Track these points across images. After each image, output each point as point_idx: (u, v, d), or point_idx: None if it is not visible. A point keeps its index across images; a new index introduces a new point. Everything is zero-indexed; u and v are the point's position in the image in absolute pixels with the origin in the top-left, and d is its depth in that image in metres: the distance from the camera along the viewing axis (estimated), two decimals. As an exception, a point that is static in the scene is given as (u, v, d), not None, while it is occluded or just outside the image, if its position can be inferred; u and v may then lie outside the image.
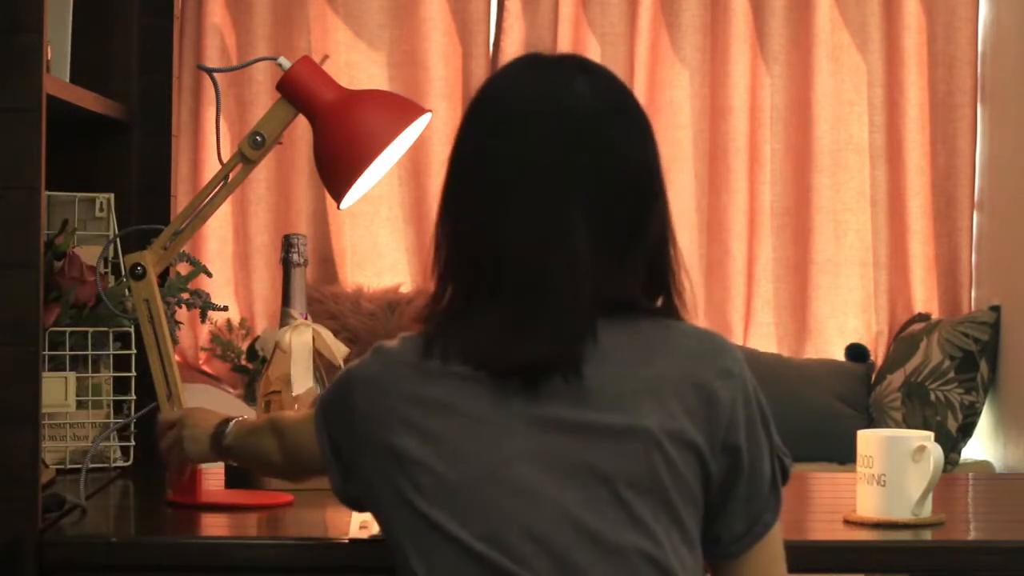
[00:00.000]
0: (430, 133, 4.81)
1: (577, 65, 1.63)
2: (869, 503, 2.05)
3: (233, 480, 2.20)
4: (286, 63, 2.07)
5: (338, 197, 2.06)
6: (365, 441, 1.61)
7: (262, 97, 4.77)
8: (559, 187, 1.57)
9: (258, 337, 4.52)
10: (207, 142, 4.79)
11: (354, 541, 1.90)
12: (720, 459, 1.59)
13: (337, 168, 2.04)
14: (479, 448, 1.56)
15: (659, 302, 1.63)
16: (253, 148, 2.07)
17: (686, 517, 1.58)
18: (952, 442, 4.47)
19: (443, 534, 1.55)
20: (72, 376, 2.33)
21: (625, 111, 1.62)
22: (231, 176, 2.09)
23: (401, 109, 2.09)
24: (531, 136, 1.58)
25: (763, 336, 4.90)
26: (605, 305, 1.58)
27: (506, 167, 1.58)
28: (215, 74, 2.14)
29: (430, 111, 2.12)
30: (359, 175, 2.03)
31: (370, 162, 2.03)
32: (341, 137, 2.03)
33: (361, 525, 1.95)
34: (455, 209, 1.61)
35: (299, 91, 2.06)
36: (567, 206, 1.56)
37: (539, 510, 1.54)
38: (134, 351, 2.37)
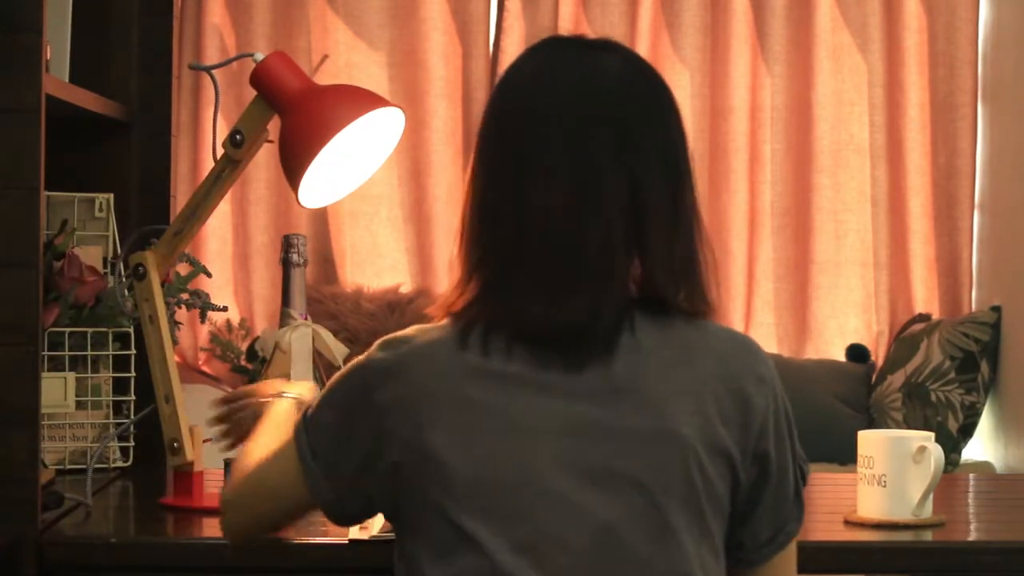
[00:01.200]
0: (430, 133, 4.81)
1: (603, 45, 1.62)
2: (870, 503, 2.05)
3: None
4: (261, 58, 2.05)
5: (294, 187, 2.01)
6: (384, 435, 1.56)
7: (262, 97, 4.75)
8: (590, 161, 1.54)
9: (258, 337, 4.51)
10: (207, 142, 4.78)
11: (354, 541, 1.89)
12: (750, 467, 1.58)
13: (289, 158, 2.00)
14: (512, 452, 1.52)
15: (683, 293, 1.58)
16: (233, 146, 2.06)
17: (713, 525, 1.56)
18: (953, 443, 4.46)
19: (467, 538, 1.51)
20: (71, 376, 2.33)
21: (652, 89, 1.60)
22: (222, 175, 2.08)
23: (359, 100, 2.03)
24: (559, 110, 1.56)
25: (763, 336, 4.90)
26: (640, 299, 1.55)
27: (534, 142, 1.55)
28: (214, 72, 2.14)
29: (399, 107, 2.07)
30: (308, 163, 1.98)
31: (317, 150, 1.97)
32: (295, 126, 1.99)
33: (361, 526, 1.94)
34: (487, 188, 1.58)
35: (267, 85, 2.03)
36: (598, 179, 1.54)
37: (570, 519, 1.51)
38: (134, 351, 2.37)
